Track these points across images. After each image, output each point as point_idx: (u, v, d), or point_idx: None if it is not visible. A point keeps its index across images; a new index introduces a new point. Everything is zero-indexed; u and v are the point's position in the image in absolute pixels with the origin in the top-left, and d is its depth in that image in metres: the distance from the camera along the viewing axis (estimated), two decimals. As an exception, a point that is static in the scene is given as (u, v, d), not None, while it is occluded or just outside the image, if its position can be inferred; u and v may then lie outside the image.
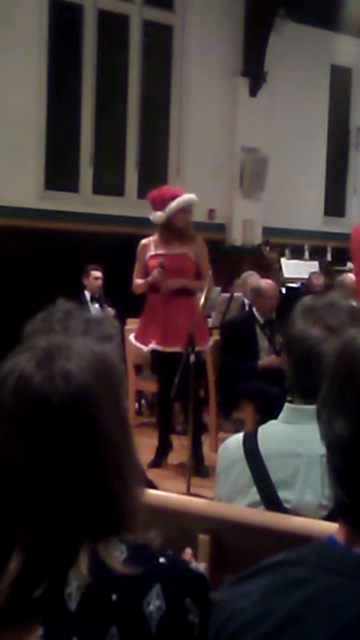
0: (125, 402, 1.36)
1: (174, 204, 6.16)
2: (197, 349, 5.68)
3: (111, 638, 1.20)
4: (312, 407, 2.01)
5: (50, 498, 1.24)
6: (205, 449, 6.35)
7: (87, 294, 8.73)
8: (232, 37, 11.06)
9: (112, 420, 1.28)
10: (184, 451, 6.06)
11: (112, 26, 10.41)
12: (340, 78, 12.63)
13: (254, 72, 11.19)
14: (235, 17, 11.00)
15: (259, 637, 1.16)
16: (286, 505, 2.00)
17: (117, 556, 1.24)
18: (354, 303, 2.12)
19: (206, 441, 6.48)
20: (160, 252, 6.20)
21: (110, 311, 8.41)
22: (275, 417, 2.17)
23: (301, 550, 1.23)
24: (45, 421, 1.23)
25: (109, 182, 10.58)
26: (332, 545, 1.20)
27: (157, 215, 6.26)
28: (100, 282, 8.82)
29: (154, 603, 1.21)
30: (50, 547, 1.24)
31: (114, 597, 1.21)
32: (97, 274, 8.83)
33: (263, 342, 6.62)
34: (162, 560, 1.26)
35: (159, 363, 6.30)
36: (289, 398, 2.16)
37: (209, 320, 7.43)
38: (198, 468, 5.97)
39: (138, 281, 6.30)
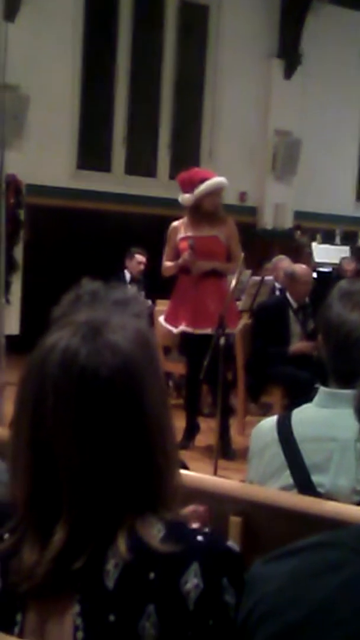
0: (162, 376, 1.37)
1: (202, 187, 6.12)
2: (227, 331, 5.67)
3: (148, 616, 1.20)
4: (348, 391, 2.01)
5: (96, 471, 1.24)
6: (233, 432, 6.34)
7: (127, 275, 8.72)
8: (268, 18, 10.97)
9: (155, 393, 1.29)
10: (211, 433, 6.06)
11: (148, 6, 10.36)
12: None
13: (289, 54, 11.12)
14: (271, -2, 10.92)
15: (290, 623, 1.14)
16: (319, 489, 1.99)
17: (154, 534, 1.24)
18: None
19: (233, 424, 6.47)
20: (190, 234, 6.18)
21: (141, 294, 8.39)
22: (303, 402, 2.16)
23: (338, 533, 1.21)
24: (93, 394, 1.24)
25: (141, 162, 10.57)
26: None
27: (186, 198, 6.24)
28: (142, 267, 8.78)
29: (192, 581, 1.21)
30: (93, 521, 1.24)
31: (151, 575, 1.21)
32: (141, 258, 8.79)
33: (295, 327, 6.59)
34: (199, 538, 1.25)
35: (189, 345, 6.30)
36: (317, 384, 2.14)
37: (239, 303, 7.40)
38: (225, 450, 5.96)
39: (167, 264, 6.28)
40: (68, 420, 1.24)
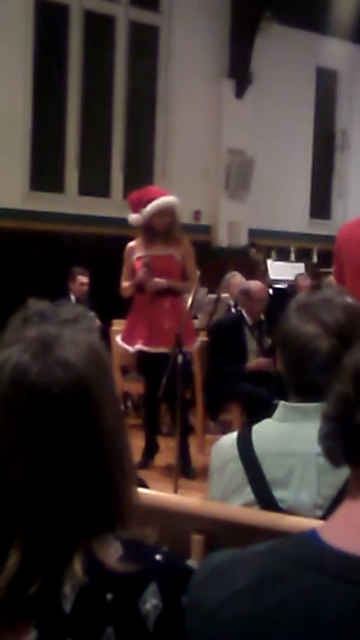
0: (117, 392, 1.34)
1: (148, 208, 6.11)
2: (184, 349, 5.66)
3: (107, 639, 1.17)
4: (308, 405, 2.01)
5: (49, 492, 1.21)
6: (192, 450, 6.32)
7: (73, 297, 8.67)
8: (218, 38, 11.05)
9: (110, 409, 1.26)
10: (170, 453, 6.04)
11: (98, 26, 10.38)
12: (326, 80, 12.65)
13: (240, 73, 11.19)
14: (221, 18, 10.99)
15: (251, 631, 1.10)
16: (281, 504, 1.97)
17: (112, 553, 1.20)
18: (350, 300, 2.08)
19: (193, 443, 6.46)
20: (145, 253, 6.17)
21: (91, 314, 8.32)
22: (262, 418, 2.14)
23: (277, 542, 1.17)
24: (45, 412, 1.20)
25: (94, 183, 10.55)
26: (314, 541, 1.13)
27: (134, 218, 6.24)
28: (86, 287, 8.75)
29: (151, 602, 1.18)
30: (48, 543, 1.21)
31: (109, 596, 1.18)
32: (84, 279, 8.76)
33: (252, 344, 6.60)
34: (158, 557, 1.23)
35: (146, 364, 6.28)
36: (275, 401, 2.13)
37: (196, 321, 7.41)
38: (185, 469, 5.94)
39: (125, 284, 6.27)
40: (18, 440, 1.20)
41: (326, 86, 12.68)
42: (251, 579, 1.12)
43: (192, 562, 1.28)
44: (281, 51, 11.47)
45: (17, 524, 1.21)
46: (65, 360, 1.22)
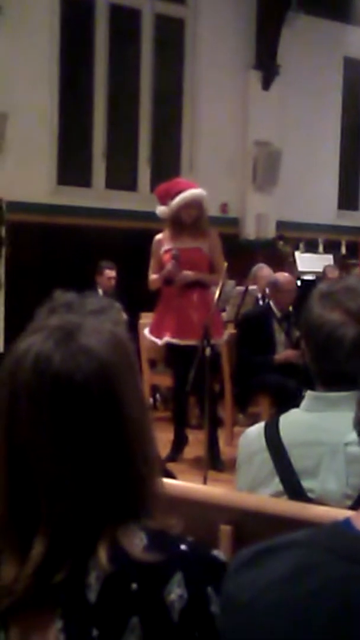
0: (141, 382, 1.33)
1: (176, 200, 6.09)
2: (212, 342, 5.65)
3: (132, 629, 1.16)
4: (335, 394, 1.99)
5: (74, 480, 1.21)
6: (221, 443, 6.31)
7: (100, 291, 8.69)
8: (244, 30, 11.01)
9: (134, 398, 1.26)
10: (199, 445, 6.03)
11: (124, 20, 10.38)
12: (353, 70, 12.55)
13: (266, 65, 11.14)
14: (247, 10, 10.95)
15: (267, 631, 1.10)
16: (310, 494, 1.96)
17: (136, 543, 1.20)
18: None
19: (222, 435, 6.45)
20: (173, 246, 6.16)
21: (118, 306, 8.34)
22: (291, 409, 2.13)
23: (311, 532, 1.16)
24: (69, 400, 1.20)
25: (121, 177, 10.56)
26: (348, 530, 1.12)
27: (162, 210, 6.22)
28: (113, 282, 8.76)
29: (175, 592, 1.18)
30: (73, 532, 1.21)
31: (134, 586, 1.18)
32: (111, 273, 8.78)
33: (280, 336, 6.58)
34: (183, 547, 1.22)
35: (174, 357, 6.28)
36: (304, 392, 2.12)
37: (223, 314, 7.39)
38: (214, 462, 5.94)
39: (153, 276, 6.26)
40: (43, 428, 1.20)
41: (354, 76, 12.57)
42: (285, 569, 1.12)
43: (218, 552, 1.27)
44: (308, 42, 11.41)
45: (41, 512, 1.21)
46: (89, 348, 1.22)
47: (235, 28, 10.92)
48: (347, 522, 1.13)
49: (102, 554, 1.19)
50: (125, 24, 10.41)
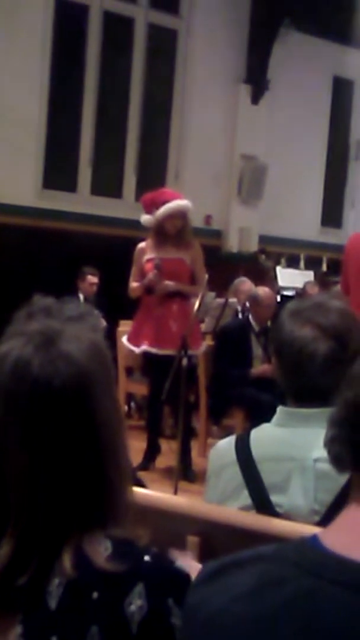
0: (117, 391, 1.35)
1: (162, 210, 6.10)
2: (189, 352, 5.66)
3: (91, 638, 1.17)
4: (306, 410, 2.01)
5: (45, 485, 1.21)
6: (194, 454, 6.32)
7: (81, 296, 8.68)
8: (236, 43, 11.05)
9: (109, 405, 1.27)
10: (172, 455, 6.04)
11: (117, 28, 10.39)
12: (342, 90, 12.63)
13: (256, 79, 11.19)
14: (240, 24, 10.99)
15: (250, 638, 1.08)
16: (278, 509, 1.97)
17: (101, 552, 1.21)
18: (341, 303, 2.08)
19: (195, 446, 6.46)
20: (156, 255, 6.17)
21: (97, 313, 8.33)
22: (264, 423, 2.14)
23: (278, 546, 1.16)
24: (46, 404, 1.21)
25: (107, 183, 10.56)
26: (315, 546, 1.12)
27: (146, 219, 6.24)
28: (95, 288, 8.76)
29: (136, 603, 1.18)
30: (40, 536, 1.21)
31: (95, 594, 1.18)
32: (94, 279, 8.77)
33: (257, 350, 6.60)
34: (146, 558, 1.22)
35: (151, 365, 6.28)
36: (279, 407, 2.13)
37: (202, 325, 7.41)
38: (186, 472, 5.94)
39: (134, 284, 6.27)
40: (18, 431, 1.21)
41: (342, 96, 12.65)
42: (252, 583, 1.11)
43: (180, 565, 1.27)
44: (299, 59, 11.46)
45: (10, 514, 1.22)
46: (68, 354, 1.23)
47: (227, 41, 10.96)
48: (314, 538, 1.14)
49: (67, 560, 1.19)
50: (118, 31, 10.42)
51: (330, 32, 11.54)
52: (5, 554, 1.20)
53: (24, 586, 1.19)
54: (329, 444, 1.17)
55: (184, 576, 1.24)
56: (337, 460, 1.17)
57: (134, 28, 10.53)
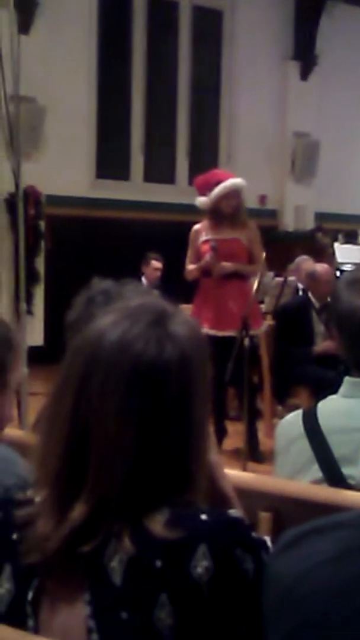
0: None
1: (217, 190, 6.06)
2: (251, 333, 5.63)
3: (162, 605, 1.17)
4: (373, 379, 1.98)
5: (127, 456, 1.23)
6: (260, 434, 6.30)
7: (144, 281, 8.69)
8: (282, 20, 10.95)
9: (201, 390, 1.30)
10: (238, 437, 6.02)
11: (162, 12, 10.37)
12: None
13: (304, 55, 11.08)
14: (285, 0, 10.89)
15: (311, 613, 1.07)
16: (350, 481, 1.95)
17: (158, 519, 1.21)
18: None
19: (261, 427, 6.43)
20: (212, 237, 6.15)
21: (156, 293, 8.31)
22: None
23: (356, 513, 1.14)
24: (145, 378, 1.24)
25: (159, 169, 10.57)
26: None
27: (202, 201, 6.20)
28: (159, 273, 8.76)
29: (201, 565, 1.18)
30: (116, 503, 1.22)
31: (158, 563, 1.18)
32: (158, 264, 8.77)
33: (319, 327, 6.54)
34: (203, 517, 1.23)
35: (212, 348, 6.23)
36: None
37: (262, 305, 7.37)
38: (253, 453, 5.92)
39: (190, 267, 6.25)
40: (114, 400, 1.23)
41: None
42: (332, 550, 1.10)
43: (235, 512, 1.30)
44: (347, 32, 11.31)
45: (88, 481, 1.23)
46: (176, 335, 1.28)
47: (273, 18, 10.86)
48: None
49: (126, 538, 1.20)
50: (163, 16, 10.40)
51: (377, 1, 11.37)
52: (78, 518, 1.21)
53: (87, 555, 1.20)
54: None
55: (240, 522, 1.26)
56: None
57: (179, 11, 10.49)
